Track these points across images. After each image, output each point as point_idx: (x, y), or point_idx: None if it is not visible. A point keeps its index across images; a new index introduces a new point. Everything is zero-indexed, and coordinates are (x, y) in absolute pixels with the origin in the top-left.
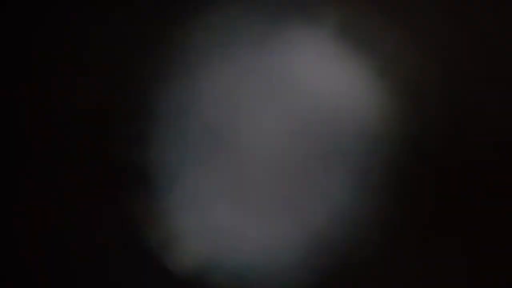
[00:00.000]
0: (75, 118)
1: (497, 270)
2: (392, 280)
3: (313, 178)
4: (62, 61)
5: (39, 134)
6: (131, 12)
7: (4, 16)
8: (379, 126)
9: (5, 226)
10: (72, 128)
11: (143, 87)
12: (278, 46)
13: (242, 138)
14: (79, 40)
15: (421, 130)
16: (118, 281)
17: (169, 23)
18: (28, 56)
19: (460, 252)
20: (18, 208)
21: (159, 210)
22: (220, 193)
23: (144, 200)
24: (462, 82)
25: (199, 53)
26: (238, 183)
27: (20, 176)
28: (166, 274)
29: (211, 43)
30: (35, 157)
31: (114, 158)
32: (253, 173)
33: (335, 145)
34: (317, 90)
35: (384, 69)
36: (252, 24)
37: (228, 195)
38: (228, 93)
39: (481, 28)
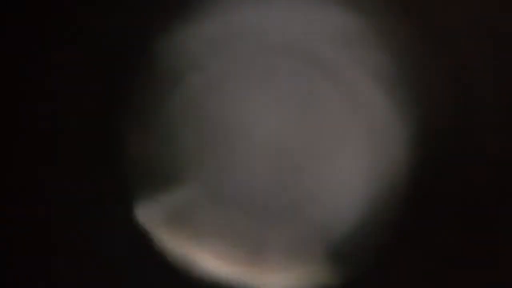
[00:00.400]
0: (76, 117)
1: (504, 273)
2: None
3: (320, 177)
4: (61, 59)
5: (40, 131)
6: (131, 9)
7: (3, 13)
8: (388, 125)
9: (6, 225)
10: (75, 127)
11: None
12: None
13: (248, 138)
14: (78, 39)
15: (431, 131)
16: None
17: (169, 20)
18: (27, 53)
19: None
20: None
21: (167, 208)
22: (226, 192)
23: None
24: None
25: (200, 50)
26: (243, 183)
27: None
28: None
29: (214, 39)
30: (37, 153)
31: (119, 157)
32: (258, 172)
33: (343, 144)
34: (323, 89)
35: (394, 70)
36: (254, 21)
37: (234, 195)
38: (231, 91)
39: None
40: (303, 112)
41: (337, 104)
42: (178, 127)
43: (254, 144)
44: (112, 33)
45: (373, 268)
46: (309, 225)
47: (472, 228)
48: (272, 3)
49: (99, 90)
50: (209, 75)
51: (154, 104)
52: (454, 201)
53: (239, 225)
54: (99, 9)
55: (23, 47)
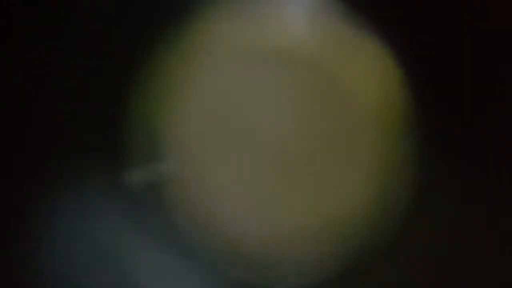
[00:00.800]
0: (79, 124)
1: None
2: (397, 275)
3: (320, 171)
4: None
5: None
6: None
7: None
8: (387, 118)
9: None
10: (77, 137)
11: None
12: (285, 33)
13: (251, 133)
14: (80, 41)
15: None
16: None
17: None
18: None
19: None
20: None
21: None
22: (228, 184)
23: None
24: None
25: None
26: (248, 176)
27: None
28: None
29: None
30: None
31: (126, 155)
32: (262, 166)
33: (342, 137)
34: (325, 81)
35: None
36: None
37: (237, 187)
38: (234, 87)
39: None
40: (301, 111)
41: (334, 104)
42: (176, 125)
43: (253, 142)
44: (113, 32)
45: (372, 266)
46: (308, 223)
47: (472, 228)
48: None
49: (99, 86)
50: (209, 74)
51: (154, 102)
52: (453, 200)
53: (237, 221)
54: (99, 7)
55: (22, 47)
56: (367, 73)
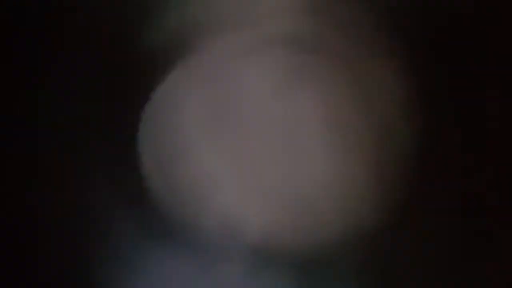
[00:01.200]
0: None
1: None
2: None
3: (319, 167)
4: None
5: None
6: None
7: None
8: (387, 117)
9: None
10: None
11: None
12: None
13: (246, 123)
14: (79, 37)
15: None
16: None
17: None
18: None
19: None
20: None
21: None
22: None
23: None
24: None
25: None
26: (241, 163)
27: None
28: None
29: (211, 23)
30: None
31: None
32: (257, 157)
33: (343, 136)
34: (324, 79)
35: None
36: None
37: (230, 176)
38: (229, 76)
39: None
40: (304, 106)
41: (337, 98)
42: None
43: (252, 135)
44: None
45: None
46: (313, 219)
47: (472, 226)
48: None
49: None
50: (202, 63)
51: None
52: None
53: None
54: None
55: (24, 48)
56: (374, 73)
